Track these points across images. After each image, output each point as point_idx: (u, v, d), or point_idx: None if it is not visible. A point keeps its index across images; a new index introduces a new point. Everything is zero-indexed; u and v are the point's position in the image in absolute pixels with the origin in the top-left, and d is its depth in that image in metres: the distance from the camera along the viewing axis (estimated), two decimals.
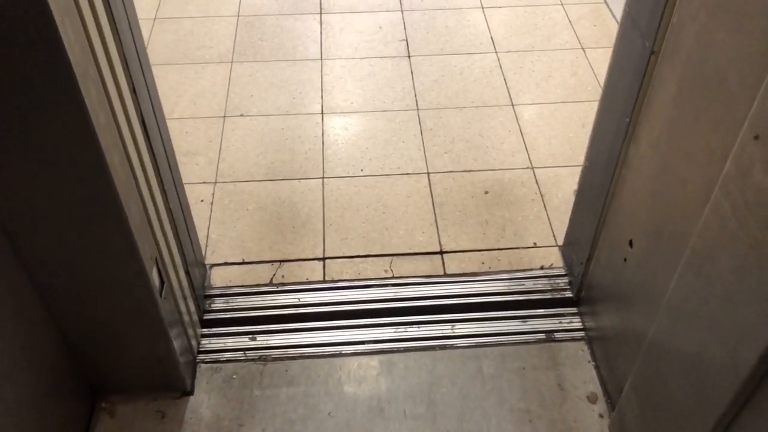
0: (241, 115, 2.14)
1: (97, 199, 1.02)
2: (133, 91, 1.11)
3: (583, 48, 2.42)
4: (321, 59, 2.38)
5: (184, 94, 2.22)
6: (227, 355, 1.51)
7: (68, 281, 1.17)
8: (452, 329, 1.56)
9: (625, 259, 1.30)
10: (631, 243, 1.26)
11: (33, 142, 0.94)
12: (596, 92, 2.22)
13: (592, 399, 1.43)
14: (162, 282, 1.26)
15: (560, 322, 1.58)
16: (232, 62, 2.35)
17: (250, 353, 1.51)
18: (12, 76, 0.87)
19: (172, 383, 1.41)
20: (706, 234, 0.94)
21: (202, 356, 1.50)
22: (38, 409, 1.19)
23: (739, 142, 0.85)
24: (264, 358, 1.50)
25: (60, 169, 0.98)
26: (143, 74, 1.17)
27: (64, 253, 1.12)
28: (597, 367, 1.48)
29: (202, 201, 1.86)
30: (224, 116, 2.13)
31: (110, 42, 1.00)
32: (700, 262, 0.96)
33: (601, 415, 1.41)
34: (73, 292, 1.19)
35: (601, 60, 2.36)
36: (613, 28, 2.50)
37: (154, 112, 1.24)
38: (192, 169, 1.95)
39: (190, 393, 1.44)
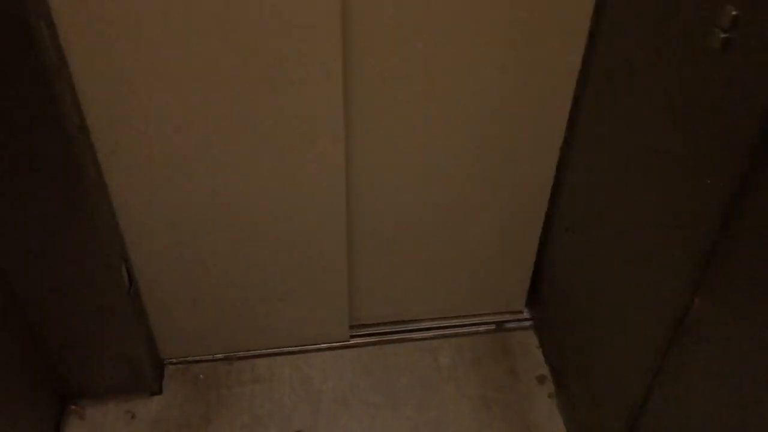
0: None
1: (69, 194, 1.10)
2: None
3: None
4: None
5: None
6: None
7: (40, 282, 1.22)
8: (408, 324, 1.65)
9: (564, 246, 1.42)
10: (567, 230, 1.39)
11: (5, 138, 1.02)
12: None
13: (541, 381, 1.53)
14: (131, 280, 1.32)
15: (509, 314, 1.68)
16: None
17: (216, 353, 1.57)
18: None
19: (142, 384, 1.46)
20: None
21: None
22: (5, 413, 1.22)
23: None
24: (230, 358, 1.56)
25: (33, 166, 1.05)
26: None
27: (36, 253, 1.18)
28: (544, 353, 1.59)
29: None
30: None
31: None
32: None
33: (550, 395, 1.50)
34: (45, 293, 1.25)
35: None
36: None
37: None
38: None
39: (159, 393, 1.49)
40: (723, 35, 0.80)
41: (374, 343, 1.61)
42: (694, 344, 0.94)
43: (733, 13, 0.78)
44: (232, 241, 1.35)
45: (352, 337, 1.61)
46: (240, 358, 1.57)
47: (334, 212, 1.34)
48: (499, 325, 1.65)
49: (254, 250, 1.38)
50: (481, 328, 1.64)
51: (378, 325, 1.64)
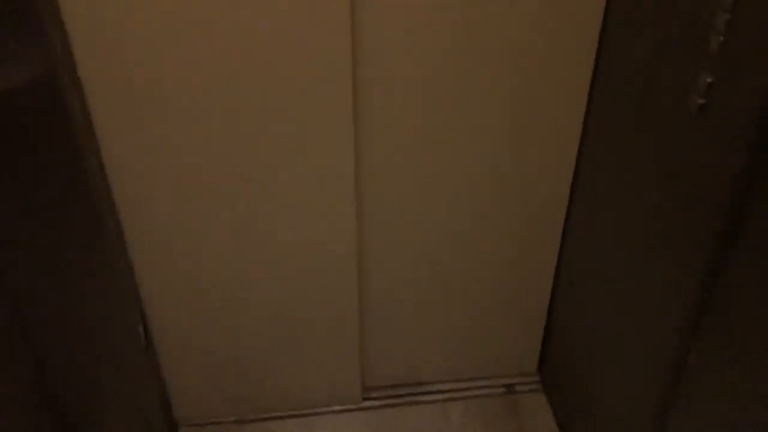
0: None
1: (91, 255, 1.16)
2: None
3: None
4: None
5: None
6: None
7: (57, 337, 1.27)
8: (420, 386, 1.66)
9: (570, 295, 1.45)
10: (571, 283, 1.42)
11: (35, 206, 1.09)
12: None
13: None
14: (148, 339, 1.37)
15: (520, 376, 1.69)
16: None
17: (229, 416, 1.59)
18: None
19: None
20: None
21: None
22: None
23: None
24: (242, 420, 1.59)
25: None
26: None
27: (55, 309, 1.23)
28: (554, 411, 1.59)
29: None
30: None
31: None
32: None
33: None
34: (62, 350, 1.29)
35: None
36: None
37: None
38: None
39: None
40: (700, 101, 0.86)
41: (386, 406, 1.62)
42: (692, 396, 0.96)
43: (708, 80, 0.84)
44: (246, 305, 1.39)
45: (365, 399, 1.63)
46: (252, 421, 1.59)
47: (346, 275, 1.39)
48: (510, 387, 1.66)
49: (267, 313, 1.42)
50: (493, 391, 1.65)
51: (390, 387, 1.65)
